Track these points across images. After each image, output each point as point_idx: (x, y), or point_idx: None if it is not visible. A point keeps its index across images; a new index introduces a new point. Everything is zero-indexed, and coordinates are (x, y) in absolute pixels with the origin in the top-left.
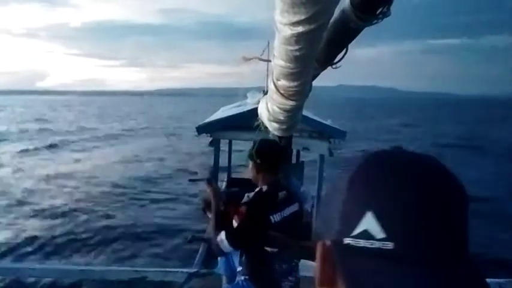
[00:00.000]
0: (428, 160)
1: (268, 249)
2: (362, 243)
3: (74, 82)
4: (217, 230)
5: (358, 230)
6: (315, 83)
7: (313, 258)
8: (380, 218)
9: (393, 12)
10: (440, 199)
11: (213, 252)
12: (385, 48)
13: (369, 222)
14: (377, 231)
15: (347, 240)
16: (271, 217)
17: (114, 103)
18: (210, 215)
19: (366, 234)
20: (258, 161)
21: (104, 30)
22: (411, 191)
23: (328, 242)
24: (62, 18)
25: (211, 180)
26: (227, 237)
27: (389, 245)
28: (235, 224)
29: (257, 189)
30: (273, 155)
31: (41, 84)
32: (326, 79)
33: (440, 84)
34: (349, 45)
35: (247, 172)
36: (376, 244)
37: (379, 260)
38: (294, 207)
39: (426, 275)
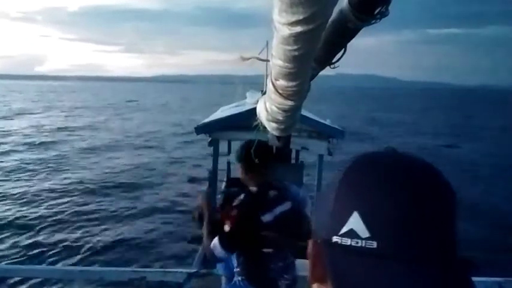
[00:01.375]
0: (417, 162)
1: (263, 250)
2: (348, 241)
3: (72, 67)
4: (211, 237)
5: (345, 229)
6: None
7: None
8: (365, 217)
9: (392, 1)
10: (425, 200)
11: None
12: (385, 37)
13: (355, 222)
14: (362, 230)
15: (335, 239)
16: (262, 217)
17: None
18: (203, 224)
19: (352, 233)
20: (245, 162)
21: (101, 15)
22: (394, 192)
23: (319, 240)
24: (58, 2)
25: (208, 198)
26: (220, 242)
27: (373, 244)
28: (227, 228)
29: (247, 191)
30: (259, 156)
31: (39, 69)
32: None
33: (442, 74)
34: (348, 44)
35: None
36: (361, 243)
37: (363, 258)
38: (286, 206)
39: (406, 273)
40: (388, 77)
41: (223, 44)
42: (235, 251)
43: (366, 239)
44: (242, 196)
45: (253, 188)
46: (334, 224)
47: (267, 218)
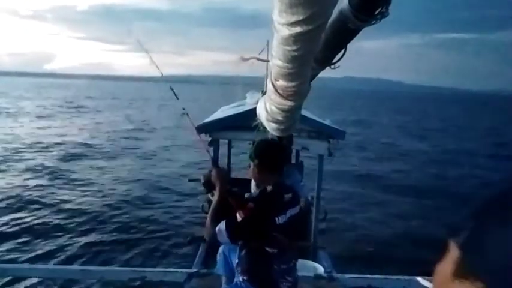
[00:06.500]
0: None
1: (268, 249)
2: None
3: (80, 66)
4: (215, 221)
5: None
6: (320, 73)
7: (308, 257)
8: None
9: (400, 5)
10: None
11: (211, 251)
12: (392, 41)
13: None
14: None
15: None
16: (276, 218)
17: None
18: (211, 197)
19: None
20: (258, 161)
21: (109, 14)
22: None
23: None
24: (68, 1)
25: (217, 164)
26: (227, 229)
27: None
28: (239, 217)
29: (261, 189)
30: (272, 155)
31: (47, 67)
32: (332, 70)
33: (448, 79)
34: (350, 42)
35: (249, 173)
36: None
37: None
38: (296, 210)
39: None
40: (394, 80)
41: (230, 44)
42: (238, 242)
43: None
44: (257, 193)
45: (269, 187)
46: None
47: (280, 220)
